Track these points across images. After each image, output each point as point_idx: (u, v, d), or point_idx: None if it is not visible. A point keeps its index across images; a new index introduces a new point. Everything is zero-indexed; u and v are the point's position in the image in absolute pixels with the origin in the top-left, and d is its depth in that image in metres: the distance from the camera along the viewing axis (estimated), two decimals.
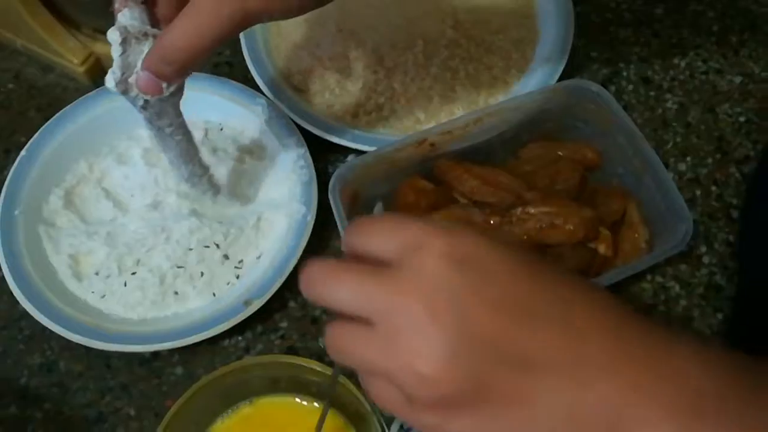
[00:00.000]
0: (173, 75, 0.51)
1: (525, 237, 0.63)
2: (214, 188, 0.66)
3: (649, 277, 0.66)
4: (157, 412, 0.61)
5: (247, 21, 0.49)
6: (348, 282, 0.38)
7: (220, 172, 0.67)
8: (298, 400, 0.58)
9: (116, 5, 0.51)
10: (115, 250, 0.64)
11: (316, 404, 0.58)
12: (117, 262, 0.63)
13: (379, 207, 0.45)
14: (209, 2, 0.48)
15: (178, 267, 0.63)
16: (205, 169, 0.64)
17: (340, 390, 0.56)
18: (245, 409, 0.58)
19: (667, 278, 0.66)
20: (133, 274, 0.63)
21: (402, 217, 0.39)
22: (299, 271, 0.39)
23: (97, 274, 0.63)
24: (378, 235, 0.39)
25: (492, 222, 0.63)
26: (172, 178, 0.66)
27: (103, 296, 0.63)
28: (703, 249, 0.67)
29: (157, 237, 0.64)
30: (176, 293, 0.63)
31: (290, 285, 0.64)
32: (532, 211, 0.62)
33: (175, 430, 0.54)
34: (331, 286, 0.38)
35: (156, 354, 0.64)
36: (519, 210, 0.62)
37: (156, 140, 0.60)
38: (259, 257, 0.65)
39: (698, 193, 0.70)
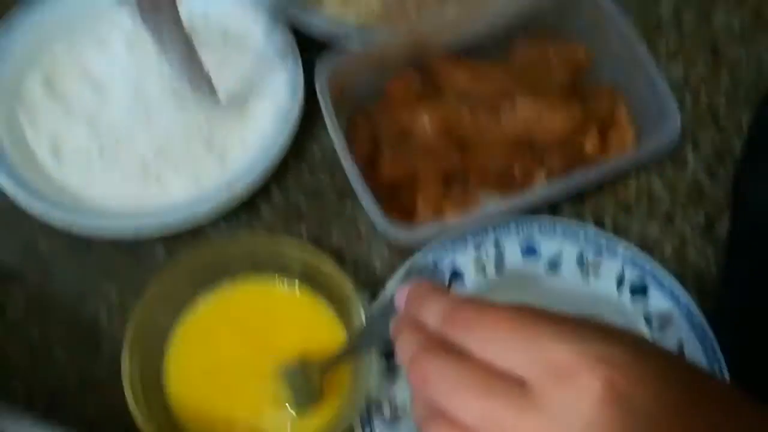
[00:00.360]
0: None
1: (513, 132, 0.62)
2: (213, 93, 0.64)
3: (633, 177, 0.66)
4: (139, 294, 0.61)
5: None
6: (474, 400, 0.32)
7: (205, 62, 0.66)
8: (279, 280, 0.58)
9: None
10: (96, 134, 0.63)
11: (296, 284, 0.58)
12: (98, 146, 0.63)
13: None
14: None
15: (160, 152, 0.63)
16: (206, 73, 0.63)
17: (324, 272, 0.56)
18: (227, 290, 0.58)
19: (651, 179, 0.66)
20: (115, 158, 0.62)
21: (540, 320, 0.33)
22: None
23: (77, 157, 0.63)
24: (508, 342, 0.33)
25: (480, 116, 0.62)
26: (154, 63, 0.64)
27: (84, 180, 0.62)
28: (689, 149, 0.67)
29: (139, 122, 0.63)
30: (159, 180, 0.62)
31: (275, 175, 0.64)
32: (521, 107, 0.62)
33: (155, 306, 0.55)
34: (451, 396, 0.33)
35: (138, 239, 0.63)
36: (507, 106, 0.62)
37: (154, 39, 0.58)
38: (243, 143, 0.64)
39: (688, 97, 0.69)
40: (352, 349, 0.52)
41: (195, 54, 0.60)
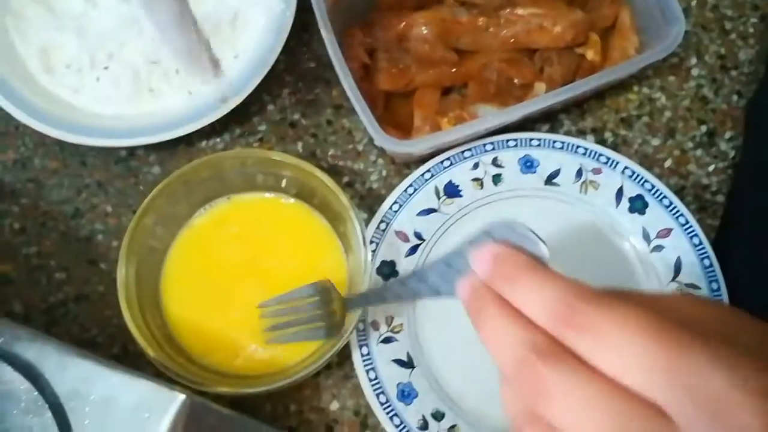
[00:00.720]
0: None
1: (512, 39, 0.61)
2: (215, 66, 0.61)
3: (636, 87, 0.65)
4: (135, 210, 0.60)
5: None
6: (607, 427, 0.28)
7: None
8: (275, 196, 0.58)
9: None
10: (86, 43, 0.61)
11: (292, 200, 0.58)
12: (89, 56, 0.61)
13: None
14: None
15: (152, 62, 0.61)
16: (204, 39, 0.60)
17: (320, 187, 0.56)
18: (222, 206, 0.58)
19: (654, 89, 0.65)
20: (106, 68, 0.61)
21: (684, 334, 0.28)
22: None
23: (68, 67, 0.61)
24: (647, 359, 0.27)
25: (479, 23, 0.60)
26: None
27: (76, 91, 0.61)
28: (693, 61, 0.65)
29: (129, 30, 0.61)
30: (151, 90, 0.61)
31: (269, 86, 0.63)
32: (521, 12, 0.60)
33: (150, 220, 0.54)
34: (576, 418, 0.28)
35: (132, 153, 0.63)
36: (507, 11, 0.60)
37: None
38: (236, 56, 0.62)
39: (693, 3, 0.67)
40: (382, 297, 0.47)
41: (188, 11, 0.56)
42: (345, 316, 0.51)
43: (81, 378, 0.41)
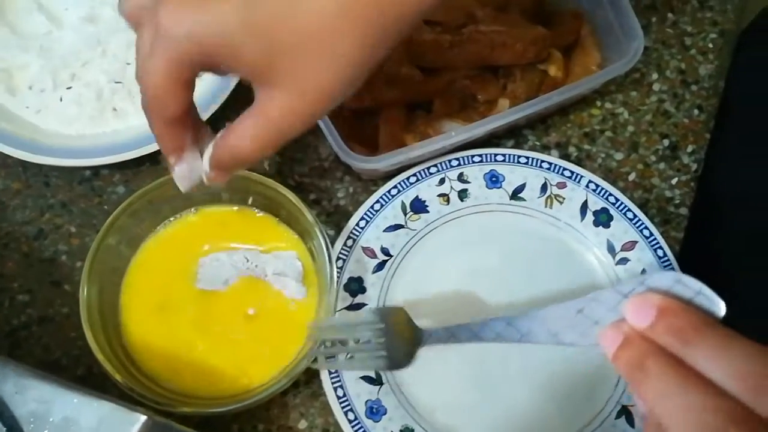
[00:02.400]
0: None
1: (475, 57, 0.61)
2: None
3: (599, 103, 0.65)
4: (99, 230, 0.60)
5: None
6: None
7: None
8: (241, 212, 0.57)
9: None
10: (49, 63, 0.61)
11: (261, 213, 0.57)
12: (51, 76, 0.61)
13: None
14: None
15: (116, 82, 0.61)
16: None
17: (286, 205, 0.55)
18: (190, 217, 0.57)
19: (616, 104, 0.65)
20: (69, 88, 0.61)
21: None
22: None
23: (30, 88, 0.61)
24: None
25: (442, 41, 0.61)
26: None
27: (39, 111, 0.61)
28: (655, 76, 0.66)
29: (92, 51, 0.61)
30: (115, 109, 0.61)
31: (235, 106, 0.63)
32: (484, 29, 0.61)
33: (113, 240, 0.54)
34: None
35: (96, 173, 0.62)
36: (470, 28, 0.61)
37: None
38: (199, 75, 0.62)
39: (654, 19, 0.68)
40: (474, 334, 0.45)
41: None
42: (413, 351, 0.49)
43: (41, 400, 0.41)
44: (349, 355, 0.51)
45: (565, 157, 0.63)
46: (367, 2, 0.38)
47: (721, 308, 0.32)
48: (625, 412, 0.54)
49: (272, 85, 0.40)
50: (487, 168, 0.60)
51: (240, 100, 0.63)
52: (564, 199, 0.60)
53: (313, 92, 0.40)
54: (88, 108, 0.60)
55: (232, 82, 0.60)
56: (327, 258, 0.53)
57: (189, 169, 0.46)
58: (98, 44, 0.61)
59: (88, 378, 0.56)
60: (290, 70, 0.39)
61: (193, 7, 0.38)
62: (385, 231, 0.58)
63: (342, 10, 0.37)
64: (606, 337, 0.33)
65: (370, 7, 0.38)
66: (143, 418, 0.40)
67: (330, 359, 0.52)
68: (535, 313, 0.39)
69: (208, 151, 0.46)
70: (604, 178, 0.60)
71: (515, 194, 0.60)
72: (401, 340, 0.49)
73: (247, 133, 0.43)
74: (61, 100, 0.60)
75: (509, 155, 0.60)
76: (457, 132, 0.57)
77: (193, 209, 0.57)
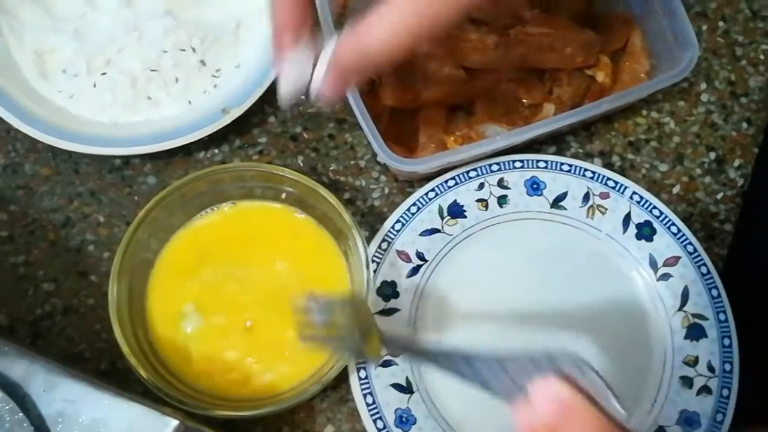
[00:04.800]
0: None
1: (521, 59, 0.59)
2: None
3: (645, 111, 0.63)
4: (128, 221, 0.59)
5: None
6: None
7: None
8: (274, 209, 0.56)
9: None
10: (83, 47, 0.59)
11: (298, 214, 0.56)
12: (86, 61, 0.59)
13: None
14: None
15: (152, 70, 0.59)
16: None
17: (321, 204, 0.54)
18: (218, 217, 0.56)
19: (663, 114, 0.63)
20: (103, 74, 0.59)
21: None
22: None
23: (64, 72, 0.59)
24: None
25: (488, 41, 0.59)
26: None
27: (71, 96, 0.59)
28: (703, 86, 0.64)
29: (128, 36, 0.59)
30: (149, 98, 0.59)
31: (270, 98, 0.61)
32: (531, 31, 0.59)
33: (144, 234, 0.52)
34: None
35: (127, 162, 0.61)
36: (517, 30, 0.59)
37: None
38: (238, 66, 0.61)
39: (704, 27, 0.66)
40: (423, 354, 0.45)
41: None
42: (377, 348, 0.47)
43: (69, 399, 0.39)
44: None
45: (609, 166, 0.61)
46: None
47: (618, 411, 0.34)
48: None
49: None
50: (528, 174, 0.58)
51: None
52: (606, 209, 0.58)
53: None
54: (122, 95, 0.59)
55: (269, 77, 0.58)
56: (364, 261, 0.51)
57: (299, 70, 0.42)
58: (135, 30, 0.59)
59: (112, 373, 0.55)
60: None
61: None
62: (420, 235, 0.57)
63: None
64: (518, 415, 0.36)
65: None
66: (175, 422, 0.39)
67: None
68: (468, 353, 0.40)
69: (326, 53, 0.42)
70: (647, 190, 0.58)
71: (556, 203, 0.58)
72: (367, 335, 0.47)
73: (376, 23, 0.39)
74: (94, 86, 0.59)
75: (551, 162, 0.59)
76: (501, 137, 0.55)
77: (227, 203, 0.56)
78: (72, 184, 0.60)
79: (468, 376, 0.39)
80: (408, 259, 0.56)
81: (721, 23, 0.66)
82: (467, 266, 0.57)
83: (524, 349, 0.37)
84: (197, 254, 0.55)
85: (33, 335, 0.56)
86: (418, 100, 0.59)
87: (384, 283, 0.55)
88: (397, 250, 0.56)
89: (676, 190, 0.61)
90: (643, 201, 0.58)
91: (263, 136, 0.62)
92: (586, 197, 0.58)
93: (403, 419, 0.52)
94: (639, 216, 0.57)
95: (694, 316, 0.55)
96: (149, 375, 0.47)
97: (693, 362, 0.54)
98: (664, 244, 0.57)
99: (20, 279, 0.57)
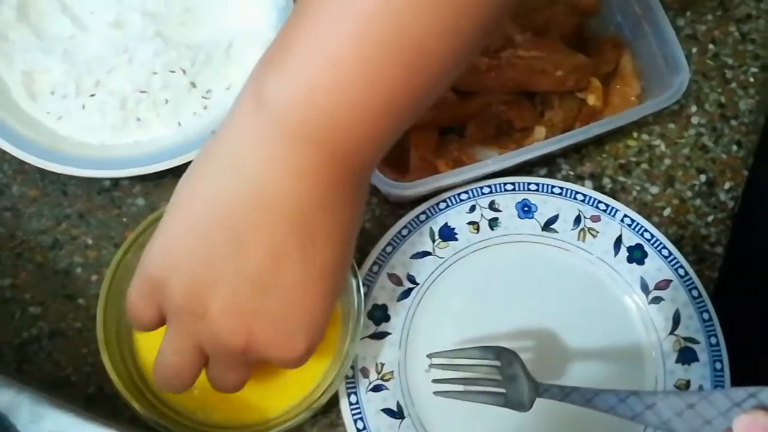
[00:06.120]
0: None
1: (513, 82, 0.59)
2: None
3: (635, 134, 0.63)
4: (117, 243, 0.58)
5: None
6: None
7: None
8: None
9: None
10: (72, 68, 0.59)
11: None
12: (75, 82, 0.59)
13: None
14: None
15: (141, 92, 0.59)
16: None
17: None
18: None
19: (653, 136, 0.64)
20: (92, 96, 0.59)
21: None
22: None
23: (53, 93, 0.59)
24: None
25: (479, 64, 0.59)
26: None
27: (60, 118, 0.59)
28: (693, 109, 0.65)
29: (118, 57, 0.59)
30: (138, 119, 0.59)
31: None
32: (522, 54, 0.59)
33: (134, 257, 0.52)
34: None
35: (116, 183, 0.60)
36: (508, 53, 0.59)
37: None
38: (228, 88, 0.61)
39: (694, 50, 0.66)
40: (587, 400, 0.44)
41: None
42: (533, 399, 0.47)
43: (56, 431, 0.38)
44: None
45: (600, 188, 0.61)
46: None
47: None
48: None
49: None
50: (519, 197, 0.58)
51: None
52: (597, 232, 0.58)
53: None
54: (111, 117, 0.58)
55: None
56: (354, 285, 0.51)
57: None
58: (125, 51, 0.59)
59: (99, 397, 0.54)
60: None
61: None
62: (412, 258, 0.57)
63: None
64: None
65: None
66: None
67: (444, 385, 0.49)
68: (646, 396, 0.40)
69: None
70: (638, 212, 0.58)
71: (547, 225, 0.58)
72: (520, 383, 0.48)
73: None
74: (83, 107, 0.58)
75: (543, 184, 0.59)
76: (493, 161, 0.55)
77: None
78: (60, 206, 0.60)
79: (653, 423, 0.40)
80: (399, 282, 0.56)
81: (711, 46, 0.67)
82: (458, 289, 0.57)
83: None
84: None
85: (19, 359, 0.55)
86: None
87: (375, 306, 0.55)
88: (388, 273, 0.56)
89: (666, 212, 0.61)
90: (634, 224, 0.58)
91: None
92: (578, 220, 0.58)
93: None
94: (630, 239, 0.57)
95: (686, 339, 0.55)
96: (139, 403, 0.47)
97: (684, 386, 0.54)
98: (655, 267, 0.57)
99: (6, 302, 0.57)
